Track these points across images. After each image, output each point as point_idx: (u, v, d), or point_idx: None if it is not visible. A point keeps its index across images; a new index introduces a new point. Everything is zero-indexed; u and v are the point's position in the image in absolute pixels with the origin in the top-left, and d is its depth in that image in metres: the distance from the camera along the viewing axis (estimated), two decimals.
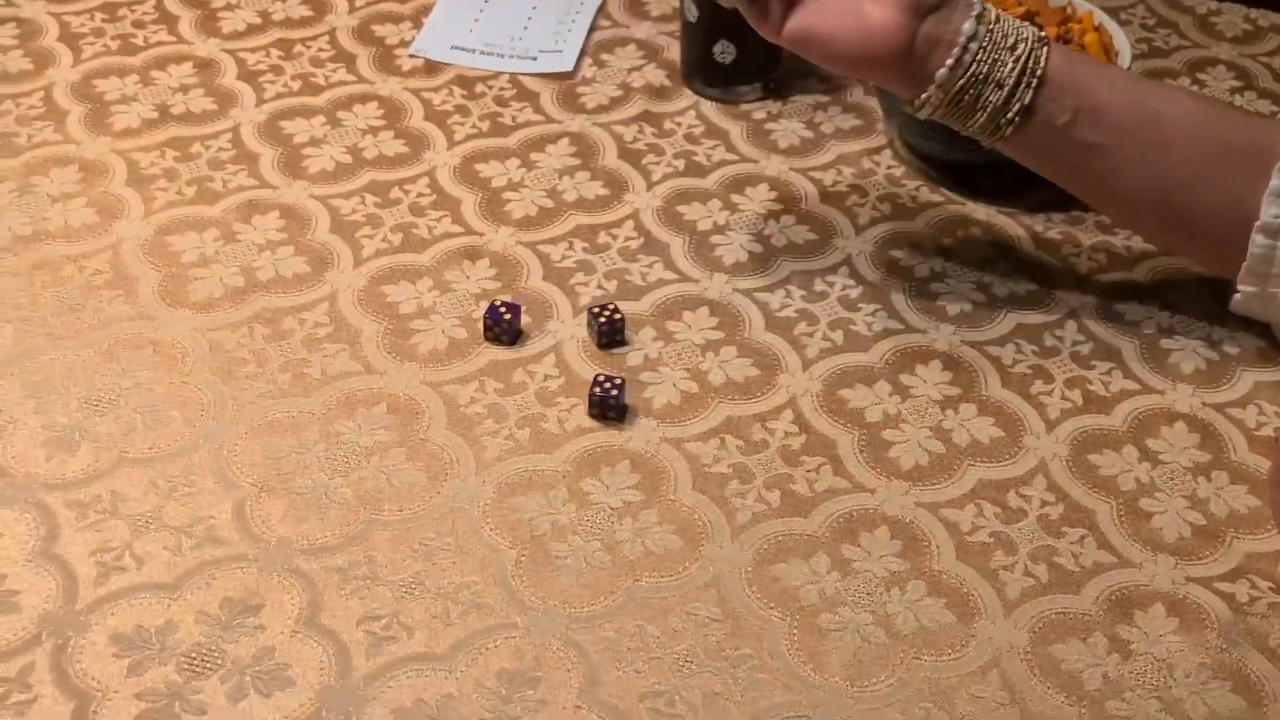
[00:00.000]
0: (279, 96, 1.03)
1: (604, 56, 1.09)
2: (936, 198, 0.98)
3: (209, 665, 0.69)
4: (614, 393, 0.82)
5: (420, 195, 0.97)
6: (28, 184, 0.94)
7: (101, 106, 1.01)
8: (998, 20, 0.81)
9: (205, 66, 1.05)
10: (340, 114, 1.02)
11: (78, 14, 1.09)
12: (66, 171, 0.96)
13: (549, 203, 0.97)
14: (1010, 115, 0.81)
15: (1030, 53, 0.81)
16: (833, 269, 0.93)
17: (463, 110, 1.04)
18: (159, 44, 1.07)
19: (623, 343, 0.86)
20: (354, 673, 0.70)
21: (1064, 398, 0.84)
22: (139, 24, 1.09)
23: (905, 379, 0.85)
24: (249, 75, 1.05)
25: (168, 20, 1.10)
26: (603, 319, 0.86)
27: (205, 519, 0.76)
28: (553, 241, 0.94)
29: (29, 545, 0.74)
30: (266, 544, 0.75)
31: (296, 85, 1.04)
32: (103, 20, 1.09)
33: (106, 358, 0.84)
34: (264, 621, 0.71)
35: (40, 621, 0.71)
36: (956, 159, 0.98)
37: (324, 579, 0.74)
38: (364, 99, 1.04)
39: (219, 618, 0.71)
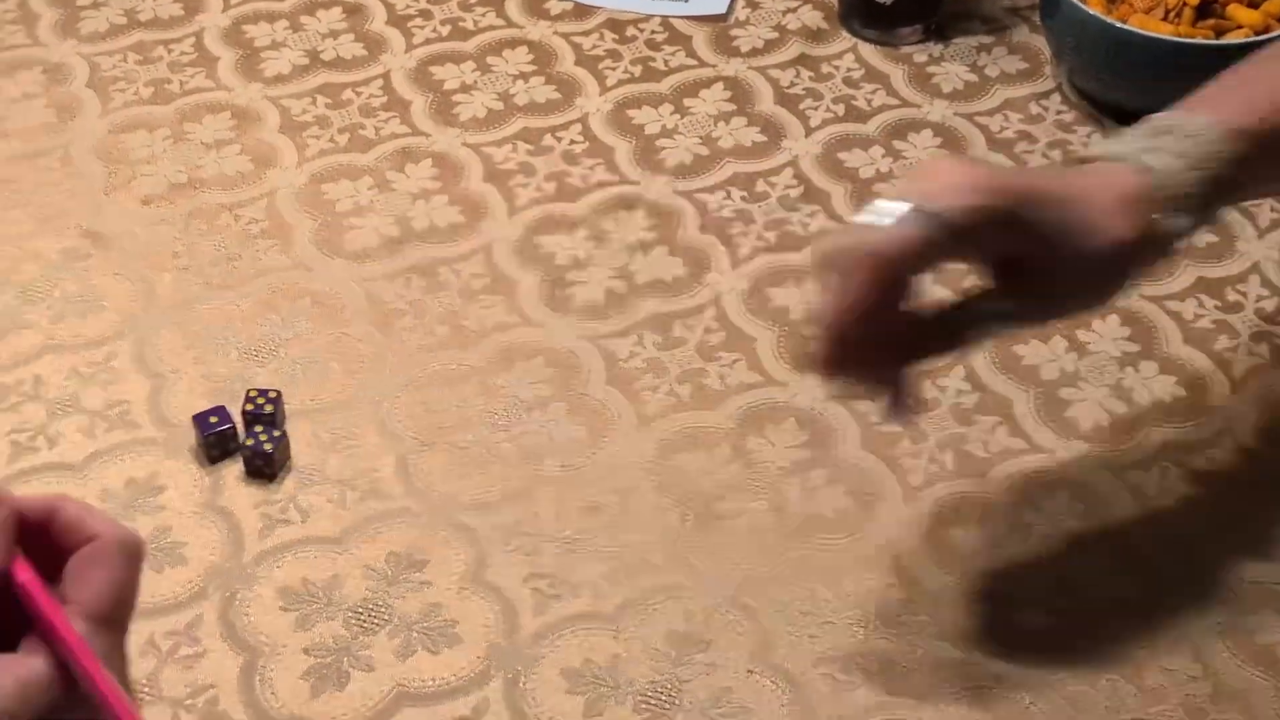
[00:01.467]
0: (428, 42, 1.02)
1: None
2: None
3: (377, 621, 0.69)
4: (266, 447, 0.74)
5: (573, 143, 0.95)
6: (181, 131, 0.94)
7: (252, 52, 1.00)
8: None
9: (354, 11, 1.04)
10: (490, 59, 1.01)
11: None
12: (219, 118, 0.95)
13: (704, 150, 0.94)
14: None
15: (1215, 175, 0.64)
16: None
17: (614, 55, 1.02)
18: None
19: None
20: (521, 631, 0.69)
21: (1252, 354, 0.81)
22: None
23: (1081, 335, 0.82)
24: (398, 20, 1.03)
25: None
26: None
27: (368, 472, 0.75)
28: (709, 190, 0.91)
29: (194, 497, 0.74)
30: (430, 499, 0.74)
31: (445, 30, 1.03)
32: None
33: (265, 308, 0.83)
34: (430, 577, 0.71)
35: (207, 575, 0.71)
36: (1129, 103, 0.93)
37: (488, 535, 0.72)
38: (513, 44, 1.02)
39: (385, 572, 0.71)
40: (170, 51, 1.00)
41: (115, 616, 0.47)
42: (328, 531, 0.72)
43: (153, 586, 0.69)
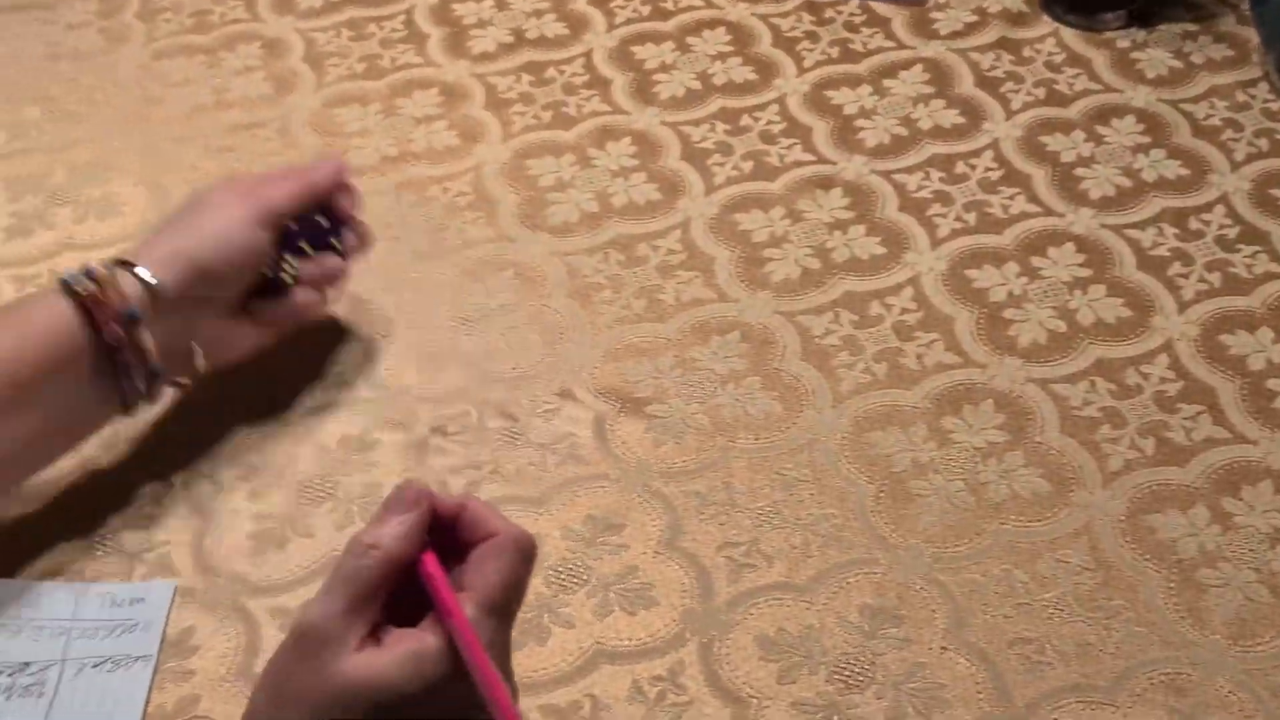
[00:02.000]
0: (629, 21, 1.04)
1: None
2: None
3: (575, 580, 0.71)
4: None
5: (770, 123, 0.96)
6: (392, 106, 0.97)
7: (459, 30, 1.03)
8: None
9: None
10: (689, 39, 1.02)
11: None
12: (428, 94, 0.98)
13: (903, 131, 0.94)
14: None
15: None
16: (1207, 207, 0.88)
17: (812, 36, 1.02)
18: None
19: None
20: (716, 597, 0.70)
21: None
22: None
23: None
24: (599, 0, 1.05)
25: None
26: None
27: (567, 437, 0.77)
28: (908, 171, 0.91)
29: (404, 455, 0.77)
30: (626, 465, 0.76)
31: (646, 10, 1.04)
32: None
33: (471, 278, 0.86)
34: (626, 540, 0.72)
35: None
36: None
37: (683, 503, 0.74)
38: (712, 24, 1.03)
39: (583, 534, 0.73)
40: (381, 28, 1.04)
41: (504, 606, 0.54)
42: (529, 493, 0.75)
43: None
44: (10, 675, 0.66)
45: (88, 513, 0.73)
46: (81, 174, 0.92)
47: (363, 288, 0.84)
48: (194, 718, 0.66)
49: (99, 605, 0.69)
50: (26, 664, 0.67)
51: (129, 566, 0.71)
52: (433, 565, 0.53)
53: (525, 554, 0.54)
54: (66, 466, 0.74)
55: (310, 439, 0.77)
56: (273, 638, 0.68)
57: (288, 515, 0.74)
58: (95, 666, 0.67)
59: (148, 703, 0.66)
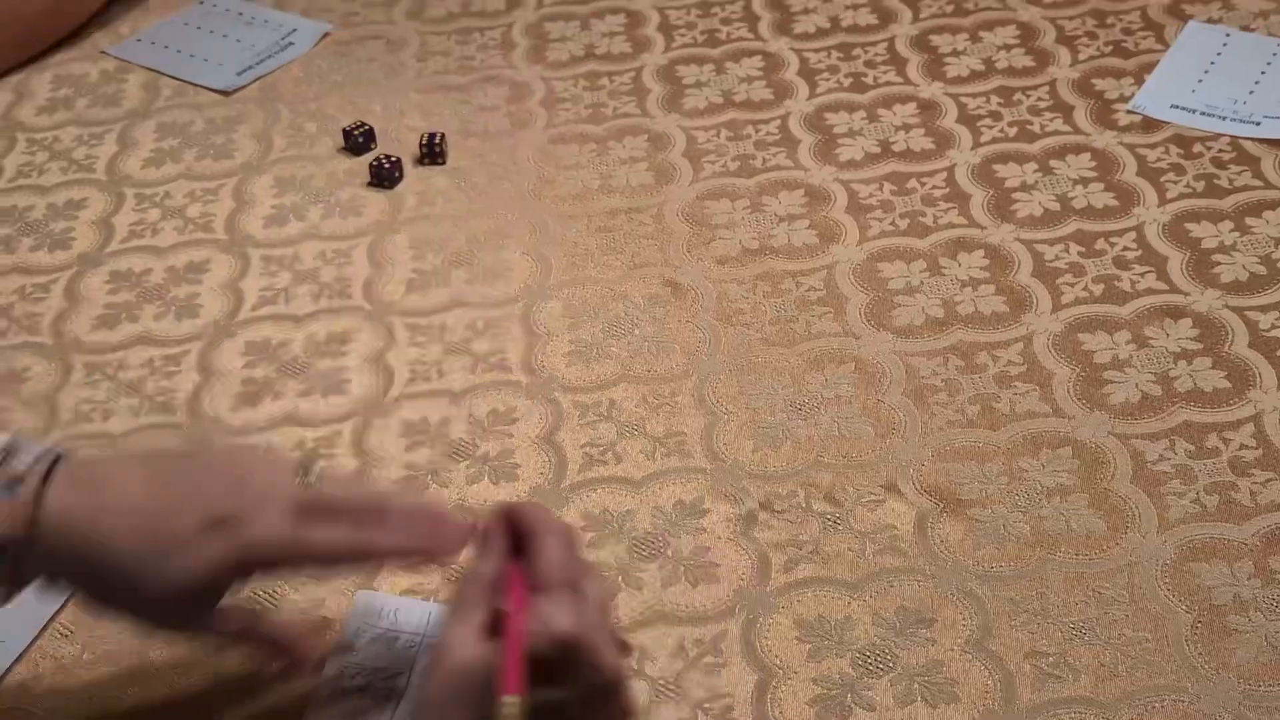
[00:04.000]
0: (994, 141, 1.07)
1: None
2: None
3: (881, 666, 0.74)
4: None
5: (1126, 249, 0.97)
6: (759, 203, 1.04)
7: (830, 138, 1.09)
8: None
9: (928, 108, 1.11)
10: (1053, 162, 1.05)
11: (815, 51, 1.19)
12: (793, 195, 1.04)
13: (1261, 269, 0.94)
14: None
15: None
16: None
17: (1177, 169, 1.03)
18: (887, 84, 1.14)
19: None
20: (1017, 702, 0.72)
21: None
22: (870, 64, 1.17)
23: None
24: (968, 119, 1.09)
25: (897, 62, 1.16)
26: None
27: (887, 528, 0.81)
28: (1262, 309, 0.91)
29: (730, 526, 0.82)
30: (943, 562, 0.78)
31: (1013, 131, 1.08)
32: (838, 58, 1.17)
33: (812, 366, 0.91)
34: (935, 635, 0.75)
35: (736, 597, 0.78)
36: None
37: (996, 606, 0.76)
38: (1077, 149, 1.06)
39: (893, 623, 0.76)
40: (758, 131, 1.11)
41: (563, 580, 0.63)
42: (845, 576, 0.78)
43: (687, 598, 0.78)
44: (367, 678, 0.75)
45: None
46: (479, 241, 1.02)
47: (713, 366, 0.91)
48: None
49: None
50: (382, 668, 0.75)
51: None
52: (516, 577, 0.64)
53: (570, 539, 0.66)
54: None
55: (649, 499, 0.83)
56: None
57: (621, 566, 0.80)
58: None
59: None
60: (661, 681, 0.74)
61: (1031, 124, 1.08)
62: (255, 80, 1.20)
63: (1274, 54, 1.13)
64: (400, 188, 1.08)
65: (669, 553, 0.80)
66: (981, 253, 0.98)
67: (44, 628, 0.78)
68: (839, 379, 0.90)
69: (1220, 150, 1.04)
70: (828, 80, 1.15)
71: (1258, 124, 1.06)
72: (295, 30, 1.25)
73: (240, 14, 1.27)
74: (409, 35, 1.24)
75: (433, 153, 1.09)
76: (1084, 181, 1.03)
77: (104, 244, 1.05)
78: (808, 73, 1.16)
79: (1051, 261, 0.96)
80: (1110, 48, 1.16)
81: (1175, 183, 1.02)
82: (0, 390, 0.93)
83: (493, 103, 1.16)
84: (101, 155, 1.13)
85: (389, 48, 1.23)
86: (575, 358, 0.93)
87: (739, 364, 0.91)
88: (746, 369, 0.91)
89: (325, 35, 1.24)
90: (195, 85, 1.20)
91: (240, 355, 0.95)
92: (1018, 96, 1.11)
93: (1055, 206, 1.01)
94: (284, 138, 1.14)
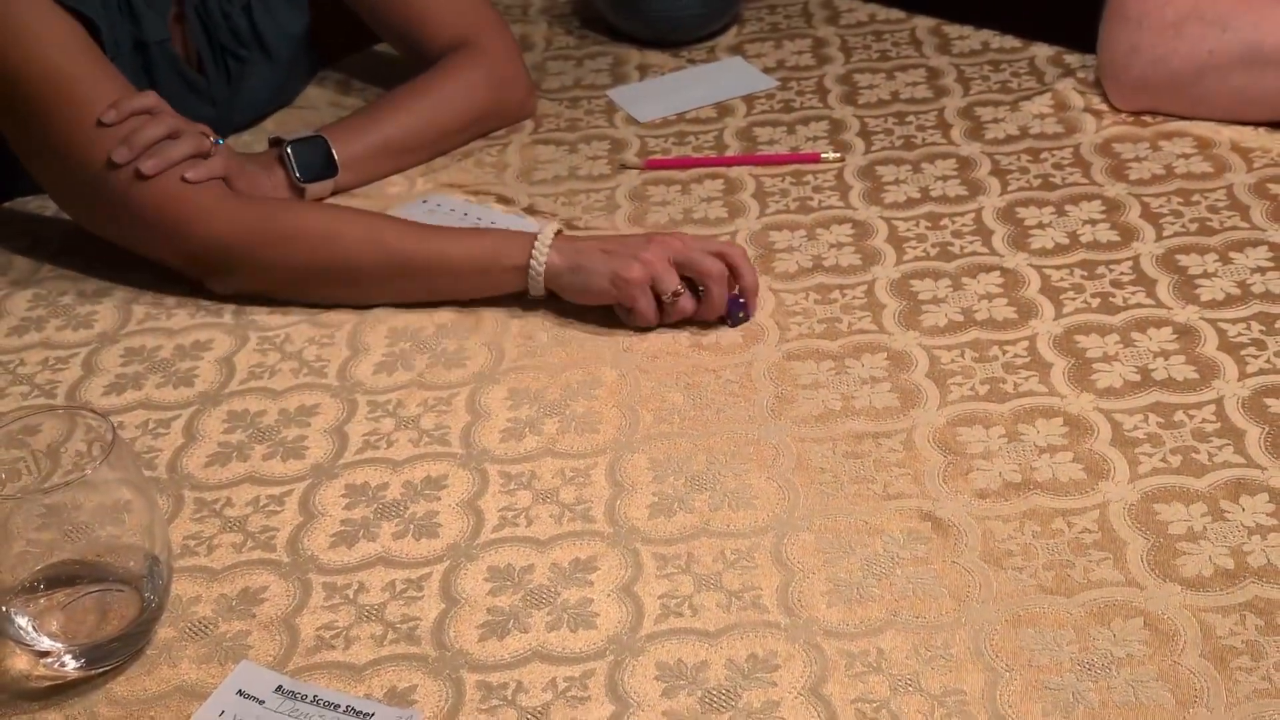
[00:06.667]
0: (1261, 372, 1.01)
1: None
2: None
3: None
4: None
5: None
6: (1015, 431, 0.99)
7: (1084, 363, 1.04)
8: None
9: (1185, 333, 1.06)
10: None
11: (1058, 268, 1.14)
12: (1052, 424, 0.99)
13: None
14: None
15: None
16: None
17: (1258, 344, 1.04)
18: (1138, 305, 1.09)
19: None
20: None
21: None
22: (1117, 283, 1.12)
23: None
24: (1230, 346, 1.04)
25: (1145, 283, 1.12)
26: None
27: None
28: None
29: None
30: None
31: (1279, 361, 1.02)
32: (1082, 276, 1.13)
33: (1096, 620, 0.84)
34: None
35: None
36: None
37: None
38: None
39: None
40: (1004, 353, 1.06)
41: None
42: None
43: None
44: None
45: None
46: (720, 463, 0.98)
47: (986, 616, 0.85)
48: None
49: None
50: None
51: None
52: None
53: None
54: None
55: None
56: None
57: None
58: None
59: None
60: None
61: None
62: None
63: None
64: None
65: None
66: (1266, 497, 0.91)
67: None
68: (1127, 634, 0.83)
69: None
70: (1074, 300, 1.10)
71: None
72: None
73: (466, 214, 1.26)
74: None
75: None
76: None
77: (224, 384, 1.10)
78: (1051, 290, 1.12)
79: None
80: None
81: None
82: None
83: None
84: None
85: None
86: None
87: (1016, 616, 0.85)
88: (1025, 621, 0.85)
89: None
90: None
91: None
92: None
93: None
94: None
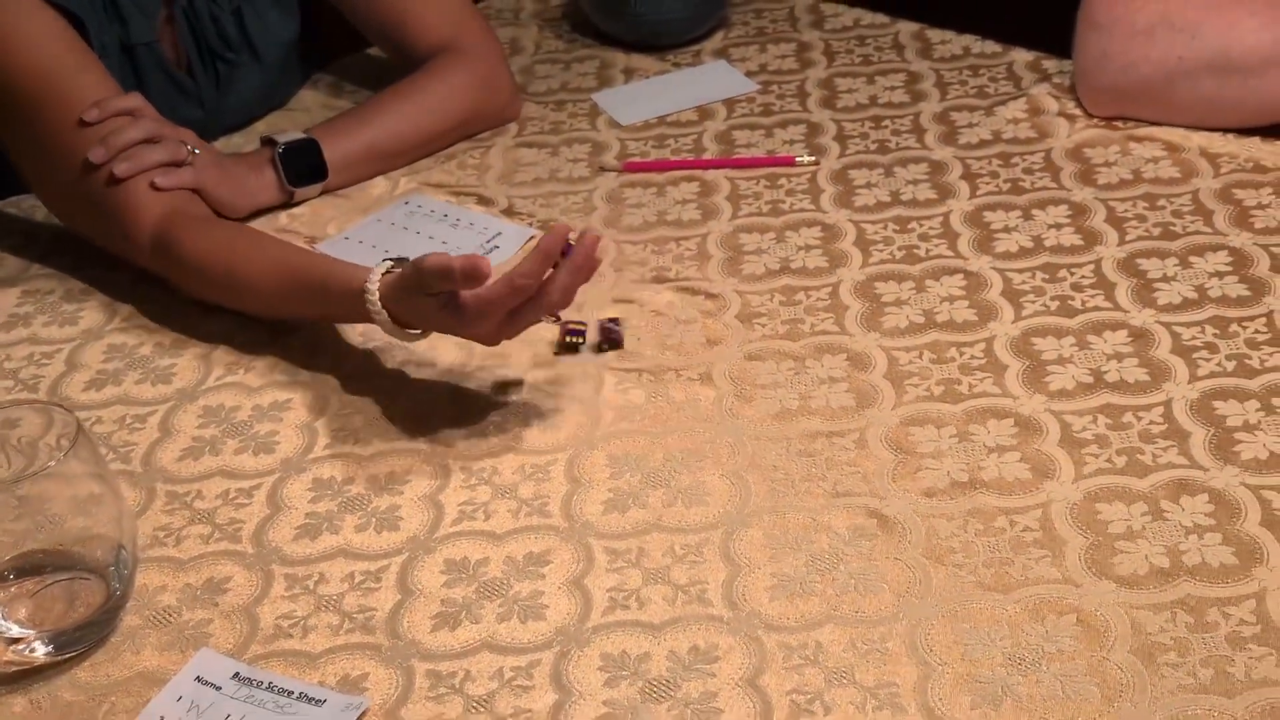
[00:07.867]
0: (1212, 375, 1.03)
1: None
2: None
3: None
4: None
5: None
6: (966, 431, 1.01)
7: (1038, 365, 1.06)
8: None
9: (1139, 337, 1.07)
10: (1275, 401, 1.00)
11: (1020, 271, 1.16)
12: (1003, 424, 1.01)
13: None
14: None
15: None
16: None
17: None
18: (1095, 309, 1.11)
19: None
20: None
21: None
22: (1077, 286, 1.14)
23: None
24: (1183, 350, 1.05)
25: (1104, 287, 1.13)
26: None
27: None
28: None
29: None
30: None
31: (1230, 365, 1.03)
32: (1043, 280, 1.15)
33: (1031, 616, 0.86)
34: None
35: None
36: None
37: None
38: None
39: None
40: (962, 354, 1.08)
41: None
42: None
43: None
44: None
45: None
46: (676, 460, 1.01)
47: (924, 611, 0.87)
48: None
49: None
50: None
51: None
52: None
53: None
54: None
55: None
56: None
57: None
58: None
59: None
60: None
61: (1250, 358, 1.04)
62: None
63: None
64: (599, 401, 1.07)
65: None
66: (1206, 497, 0.93)
67: None
68: (1059, 631, 0.85)
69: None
70: (1034, 303, 1.12)
71: None
72: (500, 234, 1.27)
73: (445, 215, 1.29)
74: (606, 244, 1.24)
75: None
76: None
77: (202, 380, 1.13)
78: (1012, 293, 1.14)
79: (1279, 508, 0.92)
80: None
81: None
82: None
83: (688, 316, 1.15)
84: None
85: None
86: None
87: (954, 611, 0.87)
88: (962, 615, 0.87)
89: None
90: None
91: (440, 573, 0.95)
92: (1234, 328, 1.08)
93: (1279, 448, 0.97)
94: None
